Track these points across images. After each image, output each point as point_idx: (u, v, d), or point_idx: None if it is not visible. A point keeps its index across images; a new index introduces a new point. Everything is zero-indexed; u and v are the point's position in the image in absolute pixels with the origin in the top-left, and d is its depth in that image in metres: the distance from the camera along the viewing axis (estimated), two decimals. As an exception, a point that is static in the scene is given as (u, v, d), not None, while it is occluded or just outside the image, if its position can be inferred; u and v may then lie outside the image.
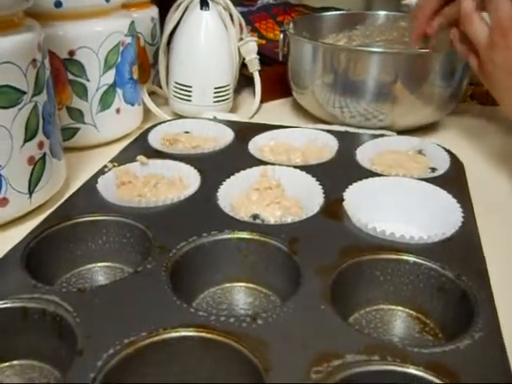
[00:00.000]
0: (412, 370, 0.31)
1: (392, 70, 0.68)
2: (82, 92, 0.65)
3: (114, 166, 0.54)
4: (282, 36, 0.78)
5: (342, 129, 0.68)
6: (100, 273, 0.45)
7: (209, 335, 0.33)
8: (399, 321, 0.41)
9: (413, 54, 0.70)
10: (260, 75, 0.83)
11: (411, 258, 0.41)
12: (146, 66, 0.84)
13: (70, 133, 0.66)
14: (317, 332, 0.34)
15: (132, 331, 0.33)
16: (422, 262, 0.41)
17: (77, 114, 0.66)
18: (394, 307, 0.42)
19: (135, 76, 0.70)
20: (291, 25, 0.79)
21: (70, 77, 0.63)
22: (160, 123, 0.65)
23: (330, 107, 0.73)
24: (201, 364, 0.34)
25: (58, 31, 0.61)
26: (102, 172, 0.53)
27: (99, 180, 0.50)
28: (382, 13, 0.88)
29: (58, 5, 0.60)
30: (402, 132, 0.68)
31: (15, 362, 0.36)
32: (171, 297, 0.36)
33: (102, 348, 0.32)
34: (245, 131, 0.62)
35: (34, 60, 0.50)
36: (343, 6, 1.04)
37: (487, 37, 0.55)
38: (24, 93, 0.49)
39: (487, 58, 0.56)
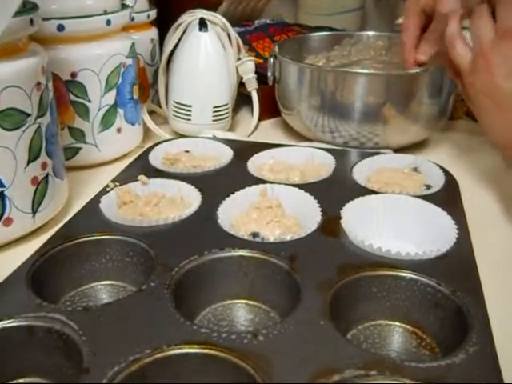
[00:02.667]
0: (409, 385, 0.32)
1: (380, 91, 0.69)
2: (84, 112, 0.66)
3: (116, 185, 0.55)
4: (271, 59, 0.79)
5: (339, 147, 0.70)
6: (103, 291, 0.46)
7: (211, 352, 0.34)
8: (396, 336, 0.42)
9: (399, 74, 0.71)
10: (258, 94, 0.84)
11: (407, 275, 0.42)
12: (145, 85, 0.85)
13: (71, 152, 0.67)
14: (316, 348, 0.35)
15: (136, 348, 0.34)
16: (418, 278, 0.42)
17: (78, 134, 0.67)
18: (391, 322, 0.42)
19: (136, 96, 0.72)
20: (277, 47, 0.80)
21: (72, 98, 0.65)
22: (160, 142, 0.66)
23: (319, 132, 0.73)
24: (203, 380, 0.34)
25: (61, 54, 0.62)
26: (104, 192, 0.54)
27: (102, 199, 0.51)
28: (360, 33, 0.90)
29: (61, 28, 0.61)
30: (397, 150, 0.70)
31: (21, 381, 0.37)
32: (174, 314, 0.37)
33: (108, 365, 0.33)
34: (244, 150, 0.63)
35: (39, 83, 0.51)
36: (338, 25, 1.06)
37: (470, 61, 0.56)
38: (28, 115, 0.50)
39: (469, 82, 0.56)
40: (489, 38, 0.53)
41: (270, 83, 0.80)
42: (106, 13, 0.64)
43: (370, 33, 0.89)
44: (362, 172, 0.59)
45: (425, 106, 0.71)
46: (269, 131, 0.84)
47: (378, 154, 0.64)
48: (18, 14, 0.47)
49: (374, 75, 0.71)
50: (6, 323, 0.36)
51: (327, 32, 0.94)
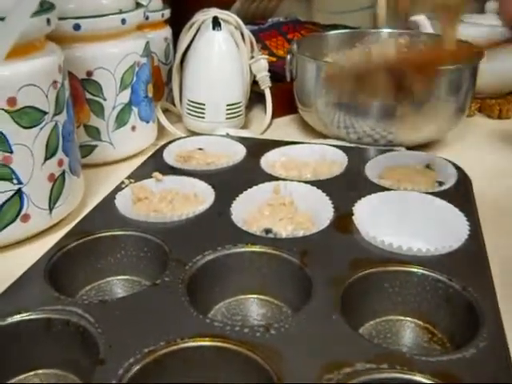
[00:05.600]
0: (419, 378, 0.32)
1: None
2: (99, 110, 0.67)
3: (131, 182, 0.55)
4: (288, 57, 0.79)
5: (352, 144, 0.70)
6: (119, 285, 0.47)
7: (224, 344, 0.35)
8: (408, 331, 0.42)
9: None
10: (271, 92, 0.85)
11: (419, 270, 0.42)
12: (159, 84, 0.86)
13: (87, 150, 0.68)
14: (328, 341, 0.35)
15: (151, 341, 0.35)
16: (430, 273, 0.42)
17: (94, 132, 0.68)
18: (402, 318, 0.43)
19: (150, 94, 0.73)
20: (295, 45, 0.81)
21: (88, 96, 0.66)
22: (174, 140, 0.67)
23: (334, 127, 0.73)
24: (216, 372, 0.35)
25: (77, 53, 0.63)
26: (119, 188, 0.54)
27: (117, 196, 0.52)
28: (381, 30, 0.90)
29: (77, 28, 0.62)
30: (411, 148, 0.70)
31: (40, 371, 0.38)
32: (188, 308, 0.38)
33: (123, 357, 0.33)
34: (257, 147, 0.64)
35: (55, 81, 0.52)
36: (352, 23, 1.06)
37: None
38: (45, 113, 0.51)
39: None
40: None
41: (288, 80, 0.81)
42: (121, 12, 0.65)
43: (392, 30, 0.89)
44: (374, 169, 0.59)
45: (442, 104, 0.71)
46: (282, 129, 0.85)
47: (390, 151, 0.64)
48: (35, 13, 0.48)
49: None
50: (24, 316, 0.37)
51: (348, 30, 0.94)
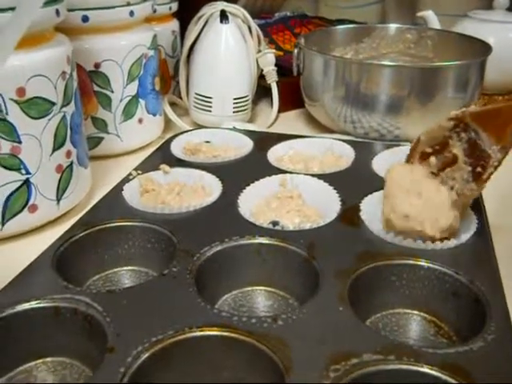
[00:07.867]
0: (426, 370, 0.32)
1: (405, 84, 0.69)
2: (107, 103, 0.67)
3: (139, 173, 0.55)
4: (296, 51, 0.79)
5: (359, 139, 0.70)
6: (126, 276, 0.47)
7: (231, 334, 0.35)
8: (414, 324, 0.42)
9: (426, 67, 0.71)
10: (278, 86, 0.85)
11: (426, 264, 0.42)
12: (166, 77, 0.86)
13: (94, 142, 0.68)
14: (335, 332, 0.35)
15: (159, 330, 0.35)
16: (437, 267, 0.42)
17: (101, 124, 0.68)
18: (409, 311, 0.43)
19: (157, 87, 0.73)
20: (302, 39, 0.80)
21: (96, 88, 0.66)
22: (182, 133, 0.67)
23: (341, 122, 0.73)
24: (224, 362, 0.35)
25: (85, 45, 0.64)
26: (126, 180, 0.55)
27: (124, 187, 0.52)
28: (388, 25, 0.90)
29: (85, 19, 0.62)
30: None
31: (48, 359, 0.38)
32: (195, 298, 0.38)
33: (131, 346, 0.34)
34: (264, 141, 0.64)
35: (64, 72, 0.52)
36: (359, 18, 1.06)
37: None
38: (54, 104, 0.51)
39: None
40: None
41: (295, 74, 0.81)
42: (129, 4, 0.65)
43: (399, 26, 0.89)
44: (382, 163, 0.59)
45: (449, 100, 0.71)
46: (288, 123, 0.85)
47: (398, 146, 0.64)
48: (44, 4, 0.48)
49: (399, 67, 0.71)
50: (33, 304, 0.37)
51: (355, 24, 0.94)
